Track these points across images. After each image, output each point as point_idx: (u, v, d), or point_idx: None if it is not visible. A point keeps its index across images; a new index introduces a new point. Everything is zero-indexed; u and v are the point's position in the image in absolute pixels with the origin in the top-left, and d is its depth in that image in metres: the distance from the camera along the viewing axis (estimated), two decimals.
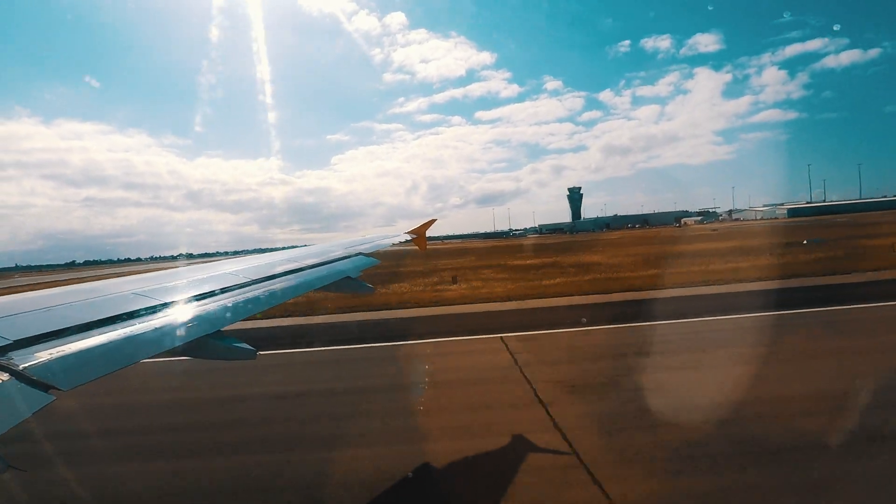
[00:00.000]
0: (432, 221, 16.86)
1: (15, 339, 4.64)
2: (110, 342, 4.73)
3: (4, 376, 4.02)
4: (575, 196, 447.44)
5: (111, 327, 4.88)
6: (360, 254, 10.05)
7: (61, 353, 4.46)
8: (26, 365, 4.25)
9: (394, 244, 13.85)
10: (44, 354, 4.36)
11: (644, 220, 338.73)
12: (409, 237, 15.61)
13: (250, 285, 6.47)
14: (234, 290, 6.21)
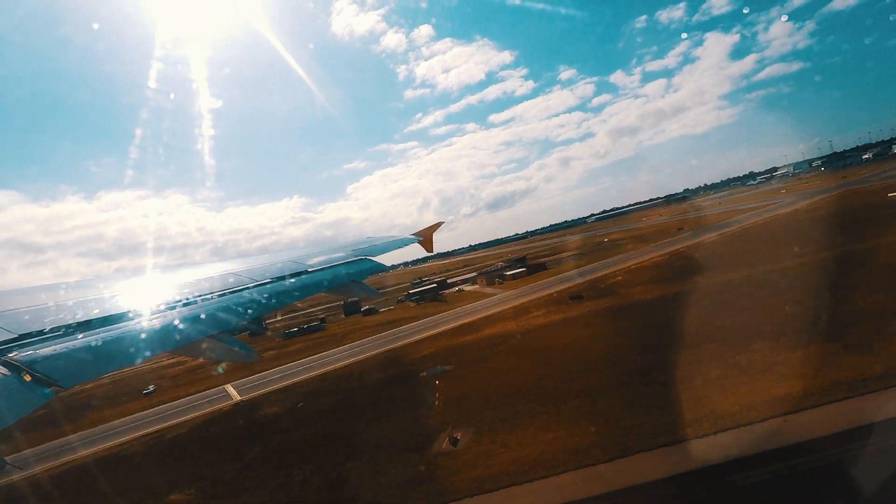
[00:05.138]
0: (439, 224, 16.94)
1: (20, 333, 4.69)
2: (113, 340, 4.76)
3: (6, 371, 4.06)
4: None
5: (115, 326, 4.91)
6: (365, 258, 10.00)
7: (64, 350, 4.49)
8: (30, 361, 4.28)
9: (400, 247, 13.80)
10: (47, 351, 4.40)
11: None
12: (416, 239, 15.62)
13: (253, 287, 6.46)
14: (236, 291, 6.21)
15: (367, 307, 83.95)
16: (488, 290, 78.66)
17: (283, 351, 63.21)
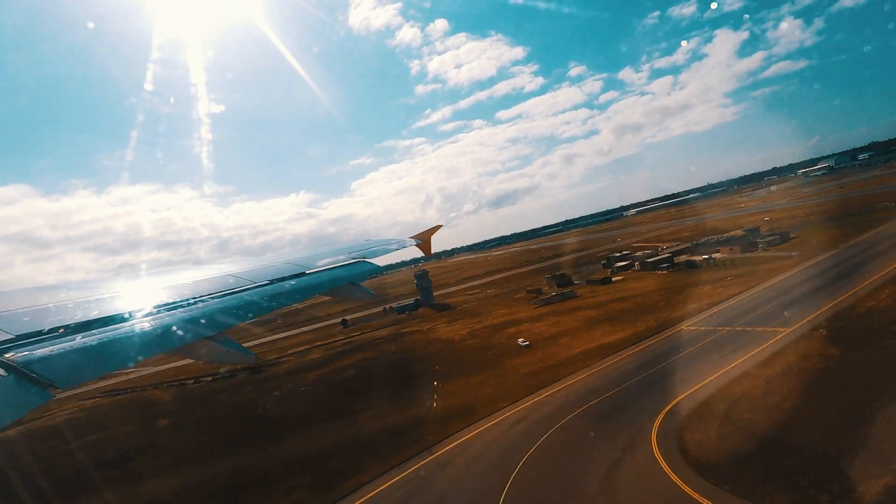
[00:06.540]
0: (437, 227, 16.91)
1: (17, 334, 4.69)
2: (110, 341, 4.76)
3: (3, 372, 4.06)
4: None
5: (112, 327, 4.91)
6: (363, 260, 10.03)
7: (62, 351, 4.49)
8: (27, 361, 4.28)
9: (398, 250, 13.80)
10: (45, 351, 4.40)
11: None
12: (414, 242, 15.59)
13: (250, 289, 6.48)
14: (234, 293, 6.22)
15: (603, 276, 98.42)
16: (757, 255, 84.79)
17: (609, 310, 66.78)
